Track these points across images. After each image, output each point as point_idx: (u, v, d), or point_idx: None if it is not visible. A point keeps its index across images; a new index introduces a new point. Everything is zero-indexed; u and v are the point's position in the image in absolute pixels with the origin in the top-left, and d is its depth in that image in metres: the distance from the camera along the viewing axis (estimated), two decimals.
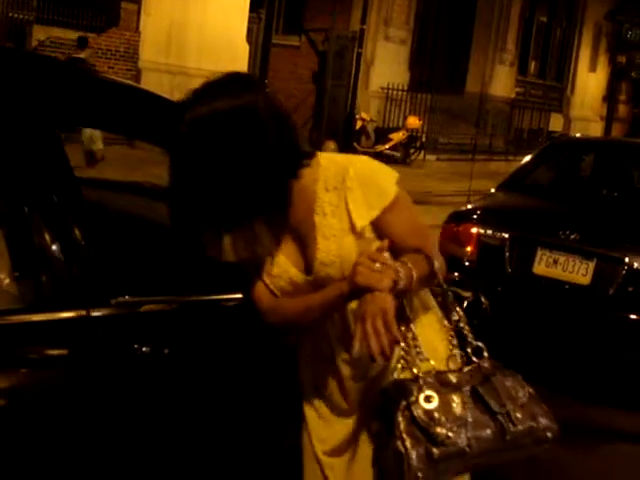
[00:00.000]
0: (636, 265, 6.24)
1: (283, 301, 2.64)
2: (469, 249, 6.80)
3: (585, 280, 6.39)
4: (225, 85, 2.43)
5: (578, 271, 6.41)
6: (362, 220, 2.54)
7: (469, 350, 2.62)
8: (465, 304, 4.22)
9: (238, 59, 19.89)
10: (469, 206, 7.56)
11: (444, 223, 7.15)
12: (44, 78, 2.79)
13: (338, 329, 2.65)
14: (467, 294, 4.34)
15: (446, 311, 2.70)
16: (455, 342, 2.65)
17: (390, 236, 2.53)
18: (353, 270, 2.40)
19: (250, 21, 20.70)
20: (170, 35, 18.55)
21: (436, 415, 2.42)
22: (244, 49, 20.32)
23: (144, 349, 2.66)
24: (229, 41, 19.38)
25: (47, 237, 2.51)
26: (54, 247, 2.52)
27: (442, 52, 28.29)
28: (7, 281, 2.51)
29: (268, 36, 18.49)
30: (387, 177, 2.59)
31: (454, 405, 2.46)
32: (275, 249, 2.62)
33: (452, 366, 2.58)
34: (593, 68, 35.16)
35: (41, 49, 16.25)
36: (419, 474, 2.39)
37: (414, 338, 2.54)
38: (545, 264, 6.53)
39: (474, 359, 2.60)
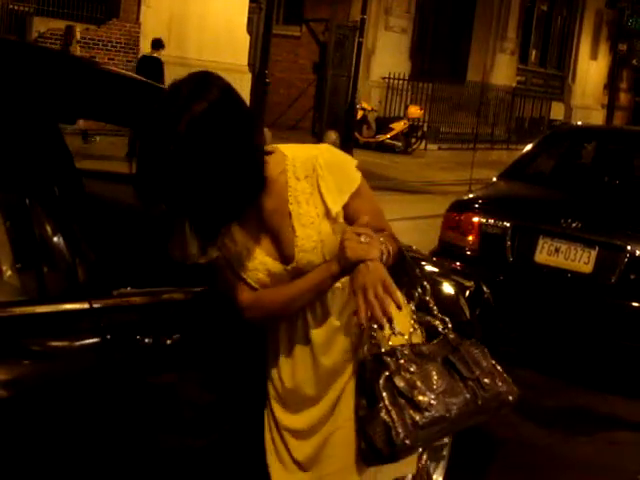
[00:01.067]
0: (638, 253, 6.24)
1: (263, 294, 2.67)
2: (471, 238, 6.81)
3: (587, 268, 6.39)
4: (197, 83, 2.41)
5: (580, 259, 6.42)
6: (336, 205, 2.60)
7: (436, 322, 2.75)
8: (467, 293, 4.23)
9: (238, 50, 19.88)
10: (471, 195, 7.57)
11: (446, 212, 7.15)
12: (45, 70, 2.79)
13: (314, 306, 2.67)
14: (469, 283, 4.34)
15: (408, 286, 2.80)
16: (415, 317, 2.76)
17: (356, 219, 2.58)
18: (341, 247, 2.47)
19: (250, 11, 20.67)
20: (170, 26, 18.53)
21: (418, 384, 2.52)
22: (244, 40, 20.30)
23: (146, 340, 2.67)
24: (229, 32, 19.36)
25: (49, 229, 2.51)
26: (56, 239, 2.52)
27: (443, 41, 28.28)
28: (9, 273, 2.51)
29: (269, 26, 18.43)
30: (351, 163, 2.67)
31: (432, 374, 2.57)
32: (249, 243, 2.64)
33: (415, 340, 2.67)
34: (594, 56, 35.12)
35: (41, 41, 16.24)
36: (407, 441, 2.47)
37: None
38: (547, 252, 6.54)
39: (441, 330, 2.73)
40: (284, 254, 2.62)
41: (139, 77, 3.53)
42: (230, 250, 2.65)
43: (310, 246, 2.58)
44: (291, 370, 2.75)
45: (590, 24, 34.58)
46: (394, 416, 2.47)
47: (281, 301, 2.65)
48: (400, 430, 2.46)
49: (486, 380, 2.67)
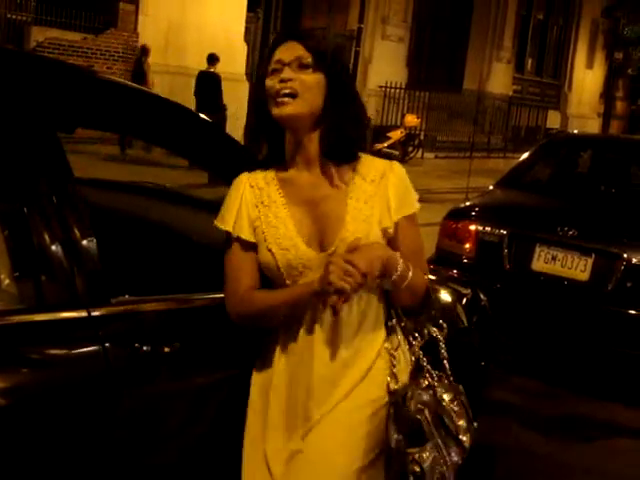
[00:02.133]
0: (634, 261, 6.25)
1: (256, 292, 2.68)
2: (468, 246, 6.82)
3: (584, 276, 6.40)
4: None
5: (577, 267, 6.43)
6: (397, 214, 2.66)
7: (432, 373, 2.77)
8: (464, 301, 4.24)
9: (236, 59, 19.90)
10: (467, 203, 7.58)
11: (443, 220, 7.16)
12: (44, 79, 2.80)
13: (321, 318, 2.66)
14: (466, 291, 4.35)
15: (421, 325, 2.85)
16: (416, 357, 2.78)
17: (399, 246, 2.64)
18: (325, 269, 2.47)
19: (248, 21, 20.70)
20: (168, 35, 18.56)
21: (461, 423, 2.61)
22: (242, 49, 20.33)
23: (145, 348, 2.67)
24: (227, 41, 19.38)
25: (47, 237, 2.51)
26: (54, 247, 2.52)
27: (440, 50, 28.31)
28: (7, 281, 2.52)
29: (266, 35, 18.48)
30: (413, 191, 2.74)
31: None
32: (289, 222, 2.64)
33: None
34: (590, 65, 35.17)
35: (39, 50, 16.26)
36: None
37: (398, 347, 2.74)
38: (544, 260, 6.55)
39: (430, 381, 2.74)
40: (323, 242, 2.63)
41: (137, 86, 3.54)
42: (270, 223, 2.65)
43: (351, 240, 2.59)
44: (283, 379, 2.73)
45: (586, 33, 34.63)
46: (445, 455, 2.54)
47: (267, 304, 2.64)
48: (450, 469, 2.54)
49: (464, 438, 2.67)
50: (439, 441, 2.55)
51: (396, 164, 2.73)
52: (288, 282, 2.64)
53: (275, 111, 2.60)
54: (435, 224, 7.37)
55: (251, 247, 2.68)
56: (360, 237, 2.56)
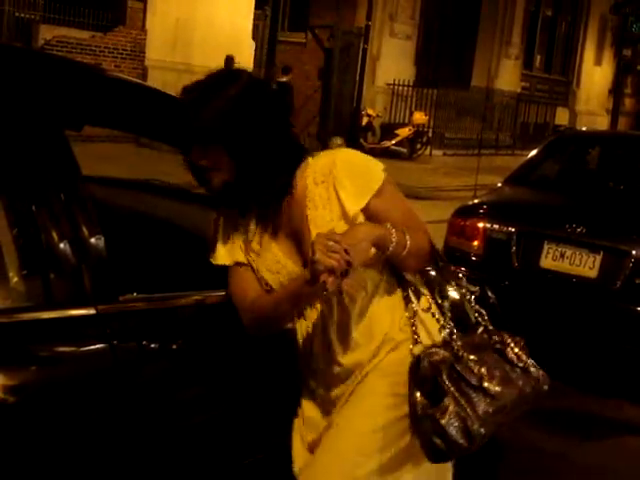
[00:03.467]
0: None
1: (258, 297, 2.72)
2: (476, 243, 6.81)
3: (592, 273, 6.39)
4: (222, 77, 2.59)
5: (585, 264, 6.42)
6: (353, 207, 2.60)
7: (475, 314, 2.82)
8: (472, 298, 4.23)
9: (244, 56, 19.88)
10: (476, 201, 7.57)
11: (451, 218, 7.16)
12: (51, 77, 2.80)
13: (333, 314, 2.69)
14: (474, 288, 4.34)
15: (440, 284, 2.86)
16: (448, 314, 2.79)
17: (383, 220, 2.60)
18: (311, 248, 2.43)
19: (256, 18, 20.69)
20: (176, 33, 18.57)
21: (482, 371, 2.55)
22: (250, 46, 20.32)
23: (152, 346, 2.68)
24: (235, 38, 19.38)
25: (55, 235, 2.52)
26: (62, 245, 2.53)
27: (448, 47, 28.26)
28: (15, 279, 2.52)
29: (274, 33, 18.49)
30: (373, 165, 2.68)
31: (489, 362, 2.61)
32: (273, 246, 2.69)
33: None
34: (599, 62, 35.08)
35: (48, 48, 16.28)
36: (482, 430, 2.50)
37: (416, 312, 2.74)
38: (552, 258, 6.54)
39: (481, 321, 2.80)
40: (305, 257, 2.63)
41: (146, 84, 3.54)
42: (257, 253, 2.70)
43: None
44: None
45: (594, 30, 34.54)
46: (466, 407, 2.49)
47: (269, 306, 2.68)
48: (474, 420, 2.48)
49: (532, 369, 2.71)
50: (459, 395, 2.51)
51: (339, 155, 2.67)
52: None
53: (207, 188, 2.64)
54: (443, 221, 7.37)
55: (249, 268, 2.75)
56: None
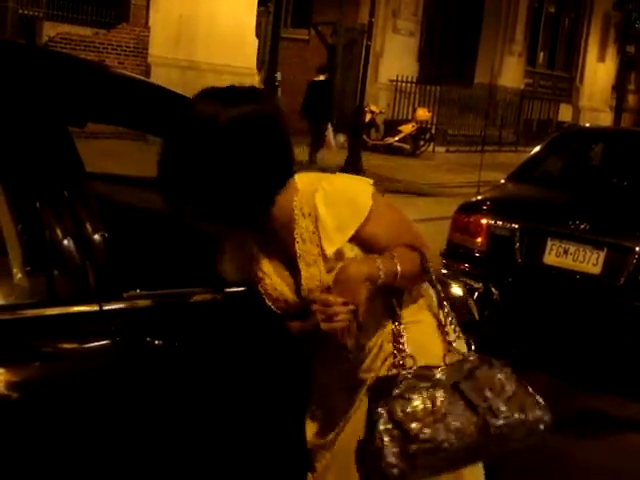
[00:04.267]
0: None
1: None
2: (479, 240, 6.81)
3: (596, 270, 6.39)
4: (246, 93, 2.52)
5: (589, 261, 6.41)
6: (332, 246, 2.53)
7: (455, 344, 2.67)
8: (476, 295, 4.23)
9: (247, 53, 19.90)
10: (479, 197, 7.57)
11: (454, 214, 7.15)
12: (55, 73, 2.80)
13: None
14: (477, 285, 4.34)
15: (440, 306, 2.70)
16: (452, 338, 2.68)
17: (377, 246, 2.56)
18: (312, 316, 2.47)
19: (259, 15, 20.69)
20: (179, 30, 18.56)
21: (409, 410, 2.44)
22: (253, 43, 20.31)
23: (156, 342, 2.68)
24: (238, 35, 19.38)
25: (59, 232, 2.52)
26: (66, 242, 2.53)
27: (451, 43, 28.25)
28: (19, 276, 2.52)
29: (277, 30, 18.46)
30: (359, 192, 2.58)
31: (434, 400, 2.47)
32: (272, 273, 2.70)
33: (447, 360, 2.61)
34: (602, 58, 35.06)
35: (51, 45, 16.28)
36: (394, 470, 2.40)
37: (399, 335, 2.61)
38: (555, 254, 6.54)
39: (461, 355, 2.63)
40: (298, 286, 2.64)
41: (149, 80, 3.54)
42: (259, 276, 2.71)
43: (314, 285, 2.58)
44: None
45: (598, 26, 34.52)
46: (386, 441, 2.41)
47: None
48: (389, 458, 2.40)
49: (502, 407, 2.52)
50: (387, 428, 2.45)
51: (324, 185, 2.57)
52: None
53: None
54: (446, 218, 7.36)
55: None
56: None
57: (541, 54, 32.75)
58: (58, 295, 2.51)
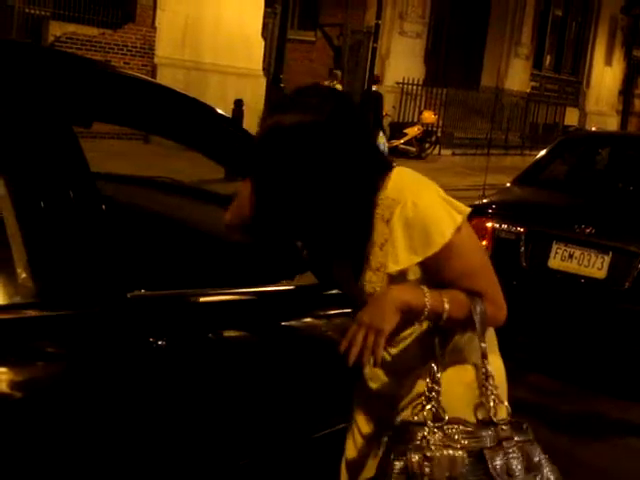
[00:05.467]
0: None
1: None
2: (484, 243, 6.80)
3: (601, 274, 6.38)
4: (303, 96, 2.40)
5: (594, 265, 6.40)
6: (395, 264, 2.43)
7: (491, 405, 2.53)
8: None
9: (253, 55, 19.91)
10: (484, 200, 7.55)
11: None
12: (61, 73, 2.80)
13: None
14: None
15: (484, 358, 2.57)
16: (488, 393, 2.54)
17: (439, 280, 2.46)
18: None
19: (265, 16, 20.69)
20: (185, 31, 18.57)
21: (427, 469, 2.37)
22: (259, 44, 20.32)
23: (160, 343, 2.67)
24: (244, 36, 19.38)
25: (63, 232, 2.52)
26: (70, 242, 2.53)
27: (457, 46, 28.25)
28: (24, 275, 2.52)
29: (283, 31, 18.50)
30: (440, 223, 2.42)
31: (452, 461, 2.40)
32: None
33: (479, 416, 2.51)
34: (609, 62, 35.03)
35: (57, 45, 16.29)
36: None
37: (436, 381, 2.50)
38: (560, 258, 6.53)
39: (493, 419, 2.50)
40: (357, 279, 2.57)
41: (153, 80, 3.55)
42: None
43: (369, 291, 2.50)
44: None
45: (605, 30, 34.49)
46: None
47: None
48: None
49: None
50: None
51: (410, 199, 2.41)
52: None
53: None
54: None
55: None
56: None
57: (548, 57, 32.73)
58: (62, 295, 2.51)
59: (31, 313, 2.48)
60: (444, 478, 2.37)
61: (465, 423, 2.47)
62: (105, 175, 4.10)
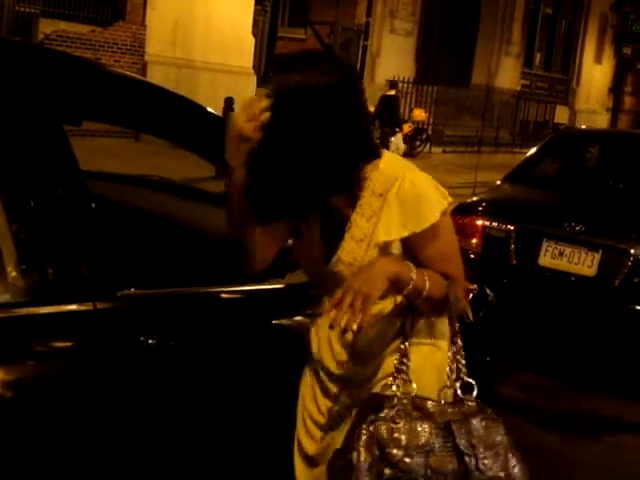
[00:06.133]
0: None
1: None
2: (474, 241, 6.81)
3: (591, 272, 6.39)
4: (315, 59, 2.44)
5: (584, 263, 6.41)
6: (386, 235, 2.50)
7: (457, 384, 2.56)
8: (470, 296, 4.23)
9: (244, 52, 19.88)
10: (475, 198, 7.57)
11: (449, 215, 7.14)
12: (50, 71, 2.80)
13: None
14: (472, 286, 4.33)
15: (452, 342, 2.62)
16: (453, 376, 2.59)
17: (417, 258, 2.52)
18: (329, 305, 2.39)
19: (256, 14, 20.67)
20: (176, 28, 18.54)
21: (396, 435, 2.40)
22: (250, 42, 20.30)
23: (150, 341, 2.67)
24: (235, 34, 19.37)
25: (53, 230, 2.52)
26: (60, 240, 2.53)
27: (448, 44, 28.27)
28: (14, 274, 2.52)
29: (274, 29, 18.50)
30: (432, 203, 2.52)
31: (421, 432, 2.42)
32: (313, 236, 2.61)
33: (442, 398, 2.56)
34: (599, 60, 35.11)
35: (47, 43, 16.26)
36: None
37: (405, 356, 2.54)
38: (551, 256, 6.54)
39: (460, 395, 2.54)
40: (326, 252, 2.58)
41: (144, 79, 3.54)
42: (300, 238, 2.64)
43: (347, 260, 2.53)
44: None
45: (595, 28, 34.56)
46: (362, 459, 2.39)
47: None
48: (362, 476, 2.37)
49: (486, 461, 2.47)
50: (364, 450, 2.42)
51: (408, 176, 2.51)
52: None
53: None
54: None
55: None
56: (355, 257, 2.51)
57: (538, 55, 32.78)
58: (52, 294, 2.51)
59: (21, 312, 2.47)
60: (413, 448, 2.40)
61: (432, 400, 2.52)
62: (95, 173, 4.09)
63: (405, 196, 2.49)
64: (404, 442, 2.40)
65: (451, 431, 2.46)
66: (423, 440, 2.41)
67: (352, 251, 2.53)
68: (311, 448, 2.73)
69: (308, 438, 2.74)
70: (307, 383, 2.75)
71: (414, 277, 2.45)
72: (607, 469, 5.13)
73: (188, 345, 2.82)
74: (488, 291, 4.42)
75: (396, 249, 2.53)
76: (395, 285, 2.44)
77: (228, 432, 2.99)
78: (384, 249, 2.52)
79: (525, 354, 6.98)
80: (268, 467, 3.07)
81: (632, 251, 6.26)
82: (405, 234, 2.49)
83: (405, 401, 2.46)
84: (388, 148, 18.89)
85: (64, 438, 2.48)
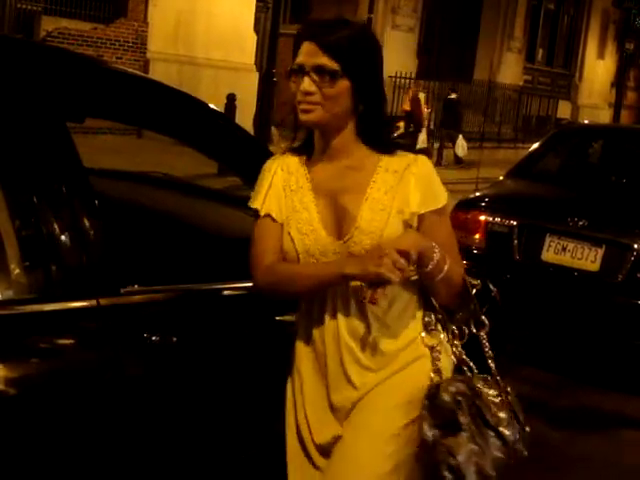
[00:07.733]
0: None
1: (280, 263, 2.65)
2: (477, 236, 6.80)
3: (594, 267, 6.39)
4: (338, 20, 2.76)
5: (587, 258, 6.41)
6: (415, 206, 2.59)
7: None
8: (474, 292, 4.22)
9: (246, 48, 19.88)
10: (477, 194, 7.56)
11: (452, 211, 7.14)
12: (53, 69, 2.80)
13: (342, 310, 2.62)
14: (476, 282, 4.33)
15: (460, 323, 2.78)
16: (459, 356, 2.75)
17: (432, 238, 2.56)
18: (376, 259, 2.40)
19: (257, 10, 20.67)
20: (178, 25, 18.54)
21: (501, 415, 2.52)
22: (252, 38, 20.30)
23: (154, 338, 2.67)
24: (237, 31, 19.37)
25: (56, 227, 2.52)
26: (63, 237, 2.53)
27: (450, 40, 28.25)
28: (17, 271, 2.52)
29: (275, 25, 18.43)
30: (441, 185, 2.68)
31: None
32: (311, 208, 2.62)
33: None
34: (601, 55, 35.08)
35: (49, 40, 16.25)
36: (493, 473, 2.49)
37: (438, 311, 2.72)
38: (554, 251, 6.53)
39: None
40: (340, 231, 2.59)
41: (146, 75, 3.54)
42: (294, 207, 2.64)
43: (369, 230, 2.55)
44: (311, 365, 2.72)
45: (597, 23, 34.53)
46: (482, 447, 2.46)
47: (284, 277, 2.61)
48: (489, 463, 2.46)
49: (507, 432, 2.56)
50: (476, 433, 2.47)
51: (422, 158, 2.67)
52: None
53: (301, 117, 2.57)
54: None
55: (278, 226, 2.66)
56: (378, 226, 2.55)
57: (540, 51, 32.76)
58: (56, 291, 2.51)
59: (24, 309, 2.47)
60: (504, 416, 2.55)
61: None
62: (98, 170, 4.09)
63: (420, 174, 2.62)
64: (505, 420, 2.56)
65: (478, 408, 2.54)
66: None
67: (373, 220, 2.57)
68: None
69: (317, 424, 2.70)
70: (309, 366, 2.72)
71: (437, 254, 2.52)
72: (610, 464, 5.13)
73: (192, 342, 2.82)
74: (491, 287, 4.41)
75: (414, 223, 2.61)
76: (421, 259, 2.49)
77: (232, 428, 2.99)
78: (405, 221, 2.58)
79: (528, 349, 6.98)
80: (271, 463, 3.07)
81: (635, 246, 6.26)
82: (423, 210, 2.59)
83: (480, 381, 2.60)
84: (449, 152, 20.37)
85: (69, 434, 2.49)
